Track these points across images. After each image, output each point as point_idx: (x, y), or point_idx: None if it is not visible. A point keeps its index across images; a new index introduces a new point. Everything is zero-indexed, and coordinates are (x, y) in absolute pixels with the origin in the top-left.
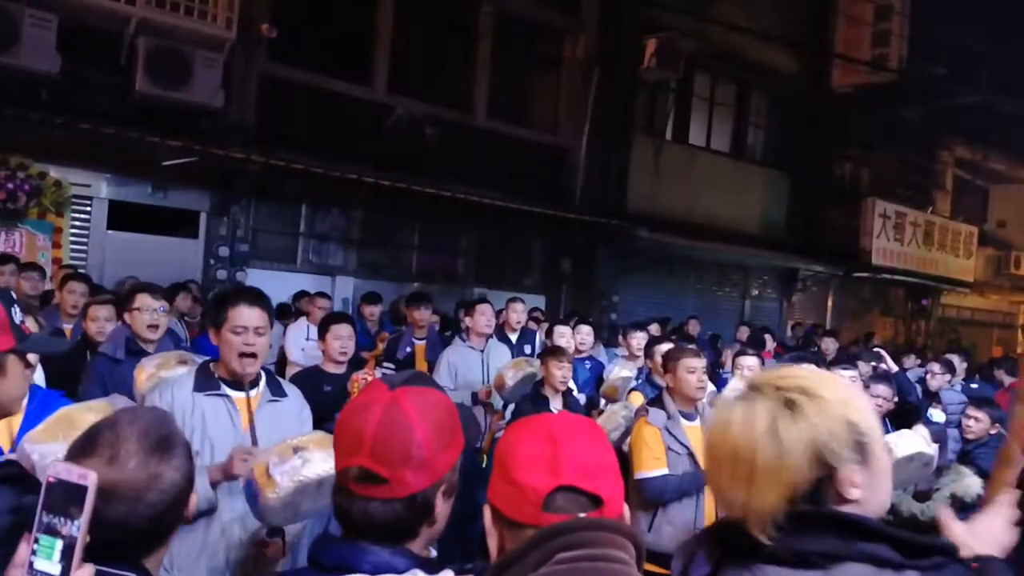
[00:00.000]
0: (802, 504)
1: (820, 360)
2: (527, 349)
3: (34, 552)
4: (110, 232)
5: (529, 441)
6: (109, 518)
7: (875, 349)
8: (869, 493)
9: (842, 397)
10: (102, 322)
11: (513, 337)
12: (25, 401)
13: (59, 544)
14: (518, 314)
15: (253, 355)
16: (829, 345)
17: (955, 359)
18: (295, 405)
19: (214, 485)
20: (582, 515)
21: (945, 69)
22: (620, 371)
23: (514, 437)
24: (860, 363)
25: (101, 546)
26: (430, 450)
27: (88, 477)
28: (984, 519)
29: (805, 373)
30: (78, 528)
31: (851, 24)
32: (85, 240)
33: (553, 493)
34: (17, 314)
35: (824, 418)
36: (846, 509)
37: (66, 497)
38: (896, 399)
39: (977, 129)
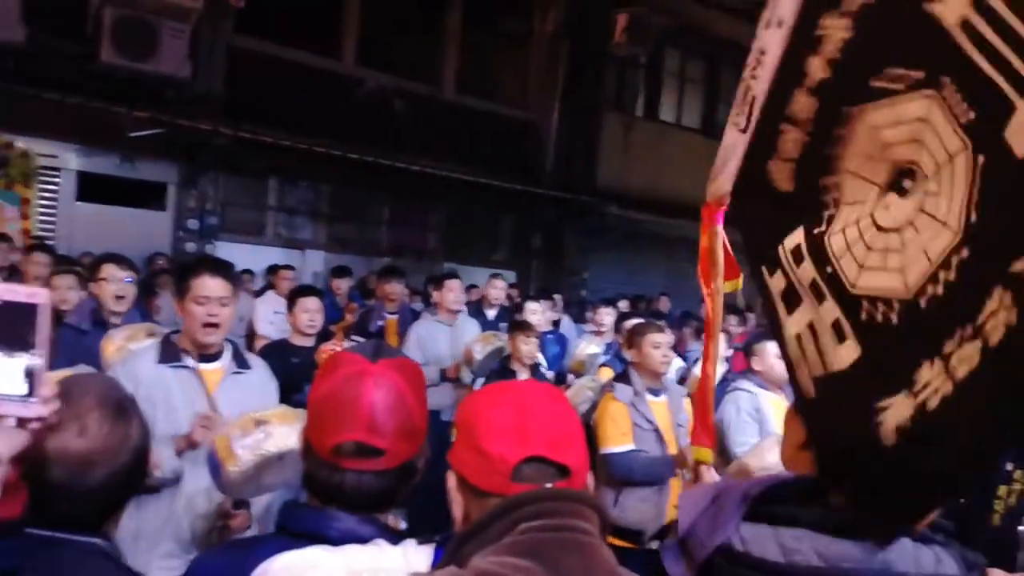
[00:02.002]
0: None
1: None
2: (503, 327)
3: None
4: (78, 203)
5: (496, 409)
6: (89, 486)
7: None
8: None
9: None
10: (64, 291)
11: (491, 313)
12: None
13: (17, 364)
14: (497, 290)
15: (216, 325)
16: None
17: None
18: (260, 377)
19: (179, 454)
20: (549, 485)
21: None
22: (587, 347)
23: (481, 404)
24: None
25: (70, 517)
26: (419, 418)
27: (38, 294)
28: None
29: None
30: (37, 348)
31: None
32: (54, 211)
33: (521, 463)
34: None
35: None
36: None
37: (14, 319)
38: None
39: None
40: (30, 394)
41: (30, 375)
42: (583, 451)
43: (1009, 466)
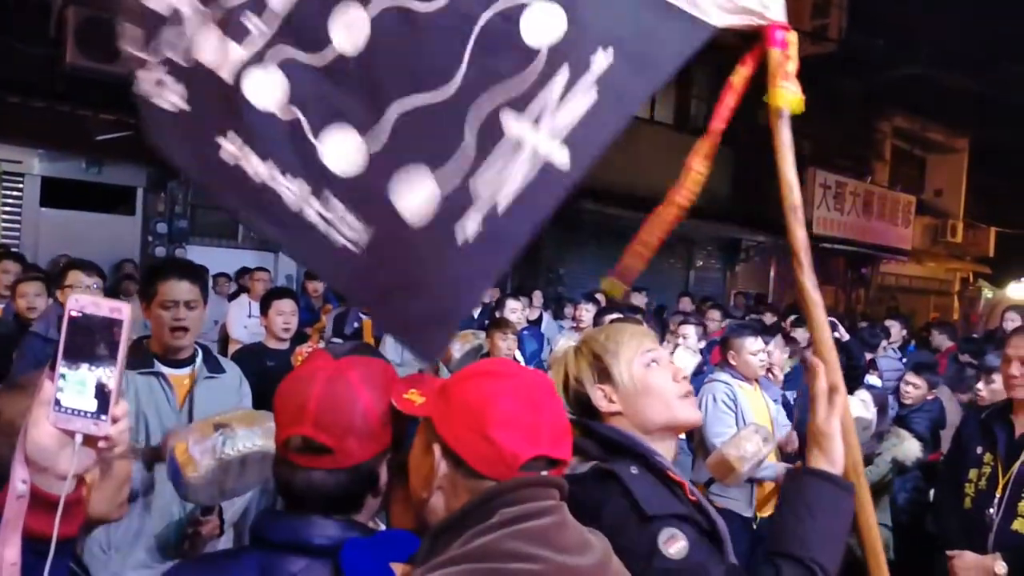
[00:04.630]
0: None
1: (763, 327)
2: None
3: (60, 389)
4: (44, 209)
5: (508, 399)
6: None
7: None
8: (628, 406)
9: (600, 340)
10: (31, 297)
11: (475, 311)
12: None
13: (91, 380)
14: None
15: (184, 329)
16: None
17: (896, 325)
18: (234, 381)
19: (149, 466)
20: (544, 473)
21: (883, 40)
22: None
23: (488, 390)
24: (800, 331)
25: None
26: (376, 419)
27: (121, 310)
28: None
29: (608, 329)
30: (112, 364)
31: None
32: (18, 218)
33: (530, 460)
34: None
35: (577, 357)
36: (614, 420)
37: (94, 333)
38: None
39: (915, 100)
40: (101, 412)
41: (102, 392)
42: (571, 440)
43: (979, 449)
